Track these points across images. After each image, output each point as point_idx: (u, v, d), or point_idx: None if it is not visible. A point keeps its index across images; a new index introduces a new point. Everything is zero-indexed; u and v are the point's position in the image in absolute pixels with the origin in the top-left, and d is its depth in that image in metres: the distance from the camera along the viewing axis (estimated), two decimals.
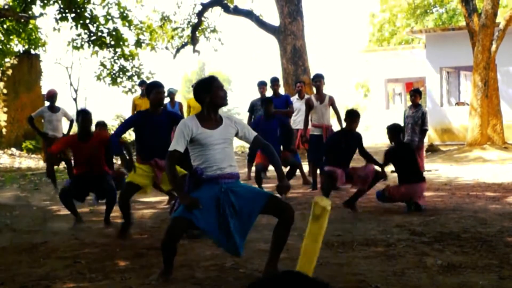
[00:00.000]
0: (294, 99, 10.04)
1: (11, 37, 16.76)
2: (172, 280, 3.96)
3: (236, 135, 4.10)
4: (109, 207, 6.12)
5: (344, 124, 7.14)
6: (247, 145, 8.15)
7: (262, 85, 9.72)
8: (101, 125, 8.82)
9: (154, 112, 5.53)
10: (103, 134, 6.85)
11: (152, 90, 5.48)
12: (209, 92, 3.98)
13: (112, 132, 6.14)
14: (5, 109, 17.15)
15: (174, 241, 3.83)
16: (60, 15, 15.07)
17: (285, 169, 10.63)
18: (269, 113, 8.03)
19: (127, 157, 5.57)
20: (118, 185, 6.31)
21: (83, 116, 6.21)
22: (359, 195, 6.86)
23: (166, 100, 8.48)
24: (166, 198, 8.12)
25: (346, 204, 6.82)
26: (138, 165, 5.54)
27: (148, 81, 12.38)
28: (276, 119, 8.01)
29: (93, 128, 8.08)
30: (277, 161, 4.10)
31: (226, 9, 17.44)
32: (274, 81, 9.61)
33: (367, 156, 7.03)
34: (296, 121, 9.72)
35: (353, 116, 6.89)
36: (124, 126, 5.61)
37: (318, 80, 8.66)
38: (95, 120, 8.30)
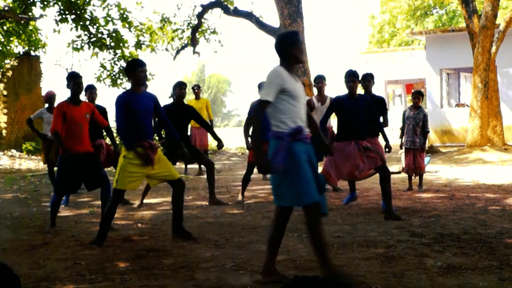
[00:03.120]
0: None
1: (11, 38, 16.80)
2: (172, 282, 3.97)
3: None
4: (105, 202, 5.59)
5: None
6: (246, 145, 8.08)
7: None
8: (91, 87, 7.75)
9: (138, 91, 5.29)
10: (91, 104, 6.51)
11: (136, 68, 5.22)
12: (294, 45, 3.87)
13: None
14: (5, 111, 17.14)
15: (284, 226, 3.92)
16: (60, 17, 15.10)
17: None
18: None
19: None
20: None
21: (75, 80, 5.96)
22: (387, 200, 6.27)
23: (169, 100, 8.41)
24: (165, 199, 8.10)
25: (388, 217, 6.18)
26: (127, 154, 5.21)
27: (147, 83, 12.36)
28: None
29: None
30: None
31: (226, 10, 17.44)
32: None
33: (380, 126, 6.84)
34: None
35: (364, 78, 7.15)
36: (121, 111, 5.23)
37: (320, 81, 8.63)
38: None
